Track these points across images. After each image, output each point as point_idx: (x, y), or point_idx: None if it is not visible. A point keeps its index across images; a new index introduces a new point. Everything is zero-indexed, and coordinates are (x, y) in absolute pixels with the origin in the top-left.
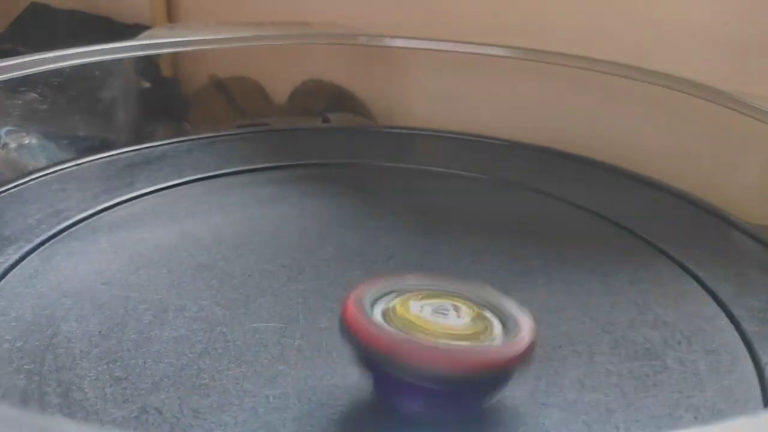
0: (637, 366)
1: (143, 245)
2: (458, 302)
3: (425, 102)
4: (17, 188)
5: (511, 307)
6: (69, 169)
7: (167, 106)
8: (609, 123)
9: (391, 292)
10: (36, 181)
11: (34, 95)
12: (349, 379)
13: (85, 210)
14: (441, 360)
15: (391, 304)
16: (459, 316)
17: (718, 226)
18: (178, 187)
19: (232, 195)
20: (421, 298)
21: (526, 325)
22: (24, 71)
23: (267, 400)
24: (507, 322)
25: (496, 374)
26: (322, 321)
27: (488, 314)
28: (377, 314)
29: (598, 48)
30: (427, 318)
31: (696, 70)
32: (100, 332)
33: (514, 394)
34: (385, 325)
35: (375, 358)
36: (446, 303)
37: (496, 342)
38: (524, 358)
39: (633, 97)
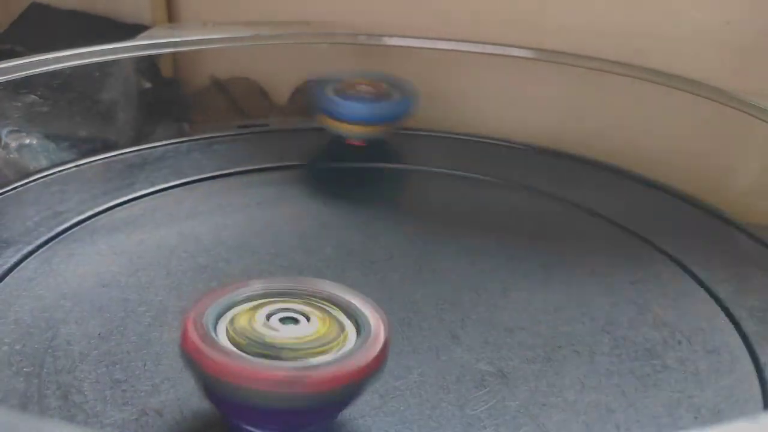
0: (638, 366)
1: (143, 247)
2: (306, 306)
3: (425, 102)
4: (16, 190)
5: (360, 303)
6: (68, 171)
7: (167, 107)
8: (609, 123)
9: (235, 303)
10: (35, 183)
11: (34, 97)
12: None
13: (84, 212)
14: (292, 383)
15: (236, 318)
16: (309, 322)
17: (718, 226)
18: (178, 188)
19: (231, 196)
20: (267, 305)
21: (378, 325)
22: (24, 72)
23: None
24: (359, 322)
25: (350, 387)
26: None
27: (339, 315)
28: (221, 332)
29: (598, 47)
30: (276, 328)
31: (697, 69)
32: (99, 334)
33: (515, 394)
34: (230, 347)
35: (223, 388)
36: (294, 308)
37: (348, 348)
38: (377, 364)
39: (633, 96)
